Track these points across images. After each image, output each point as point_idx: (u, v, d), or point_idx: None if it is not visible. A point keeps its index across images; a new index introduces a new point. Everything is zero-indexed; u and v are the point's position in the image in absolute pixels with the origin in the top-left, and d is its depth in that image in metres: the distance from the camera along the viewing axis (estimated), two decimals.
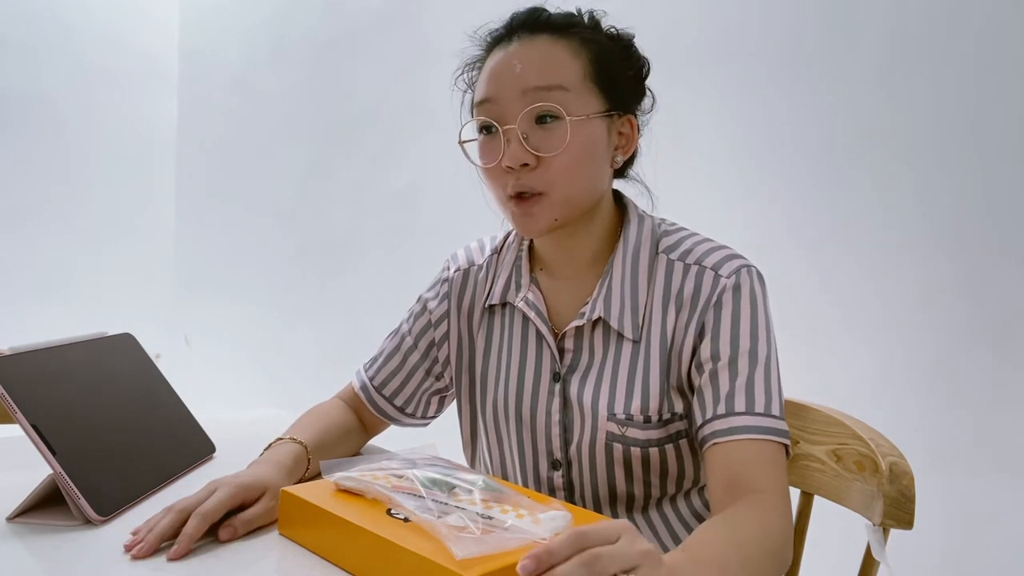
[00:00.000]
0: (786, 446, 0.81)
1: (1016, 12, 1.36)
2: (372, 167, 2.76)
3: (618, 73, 0.88)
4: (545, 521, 0.62)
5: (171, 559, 0.66)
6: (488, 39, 0.91)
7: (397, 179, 2.67)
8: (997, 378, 1.38)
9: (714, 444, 0.80)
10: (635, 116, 0.91)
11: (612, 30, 0.91)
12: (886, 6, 1.52)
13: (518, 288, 0.95)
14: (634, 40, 0.92)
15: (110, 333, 0.98)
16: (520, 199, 0.85)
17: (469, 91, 0.95)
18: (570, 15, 0.89)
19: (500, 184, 0.86)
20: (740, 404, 0.80)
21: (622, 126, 0.90)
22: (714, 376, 0.83)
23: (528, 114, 0.83)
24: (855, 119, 1.57)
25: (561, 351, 0.91)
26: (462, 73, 0.96)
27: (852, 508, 0.87)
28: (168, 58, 3.74)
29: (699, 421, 0.83)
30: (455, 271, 1.03)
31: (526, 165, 0.83)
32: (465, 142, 0.91)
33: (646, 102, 0.93)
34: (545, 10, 0.88)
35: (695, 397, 0.85)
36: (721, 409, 0.81)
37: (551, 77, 0.83)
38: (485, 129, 0.87)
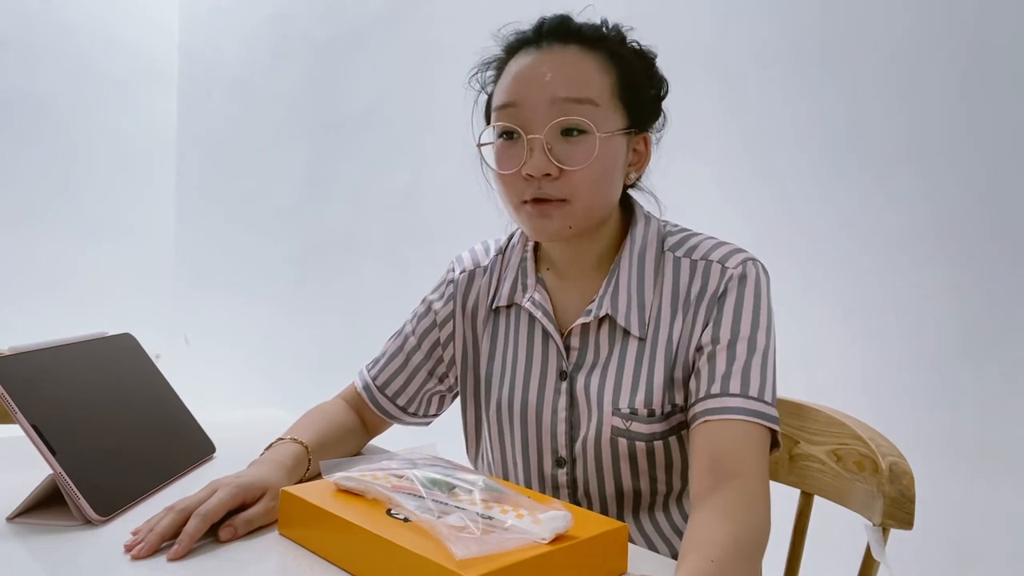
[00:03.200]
0: (775, 433, 0.81)
1: (1018, 13, 1.36)
2: (372, 167, 2.76)
3: (642, 92, 0.89)
4: (545, 521, 0.62)
5: (171, 559, 0.66)
6: (512, 40, 0.90)
7: (397, 179, 2.67)
8: (997, 377, 1.38)
9: (705, 421, 0.80)
10: (650, 134, 0.92)
11: (635, 45, 0.91)
12: (888, 6, 1.52)
13: (524, 289, 0.96)
14: (656, 59, 0.92)
15: (110, 333, 0.98)
16: (537, 201, 0.85)
17: (483, 92, 0.95)
18: (599, 28, 0.88)
19: (516, 191, 0.86)
20: (735, 386, 0.81)
21: (637, 144, 0.91)
22: (712, 357, 0.84)
23: (556, 125, 0.83)
24: (855, 120, 1.57)
25: (567, 349, 0.92)
26: (478, 72, 0.95)
27: (852, 508, 0.87)
28: (168, 58, 3.74)
29: (693, 399, 0.84)
30: (460, 273, 1.03)
31: (547, 175, 0.83)
32: (483, 145, 0.90)
33: (659, 121, 0.94)
34: (573, 20, 0.88)
35: (692, 377, 0.86)
36: (716, 388, 0.82)
37: (582, 90, 0.83)
38: (506, 134, 0.86)
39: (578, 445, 0.90)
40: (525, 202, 0.85)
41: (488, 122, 0.93)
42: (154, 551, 0.68)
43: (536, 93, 0.83)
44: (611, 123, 0.85)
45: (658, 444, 0.87)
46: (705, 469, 0.78)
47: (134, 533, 0.70)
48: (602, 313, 0.89)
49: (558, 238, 0.87)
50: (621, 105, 0.86)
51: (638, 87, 0.88)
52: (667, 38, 0.96)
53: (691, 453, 0.81)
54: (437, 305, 1.03)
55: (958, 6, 1.43)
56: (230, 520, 0.72)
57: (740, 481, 0.75)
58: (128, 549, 0.68)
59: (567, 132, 0.83)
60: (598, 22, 0.89)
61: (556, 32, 0.86)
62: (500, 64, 0.91)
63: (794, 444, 0.96)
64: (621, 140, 0.87)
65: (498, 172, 0.87)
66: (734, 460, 0.77)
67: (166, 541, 0.69)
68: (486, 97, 0.95)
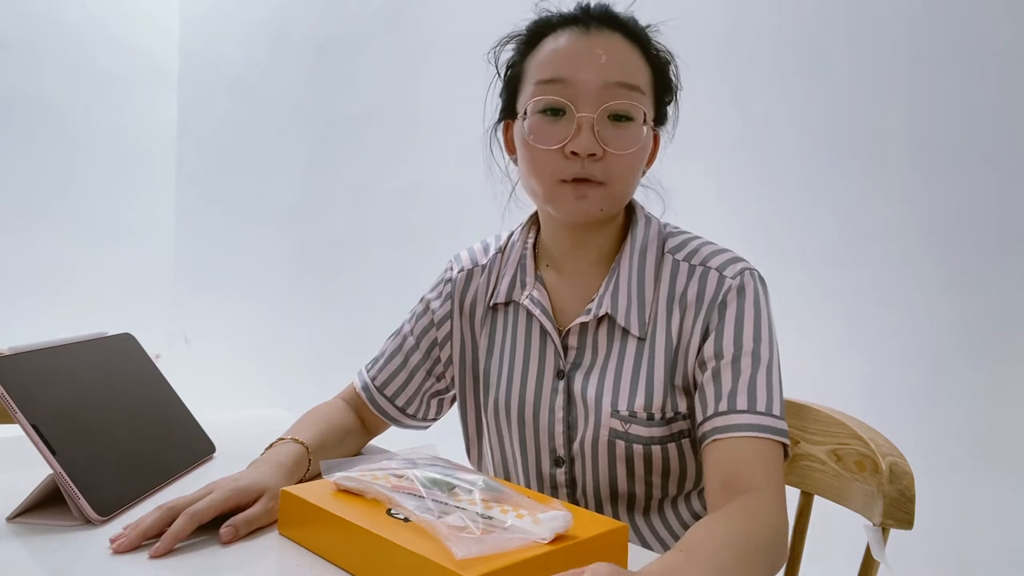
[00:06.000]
0: (785, 446, 0.81)
1: (1018, 11, 1.36)
2: (372, 167, 2.76)
3: (666, 91, 0.92)
4: (545, 521, 0.62)
5: (152, 556, 0.66)
6: (552, 18, 0.90)
7: (397, 179, 2.67)
8: (996, 378, 1.38)
9: (714, 440, 0.80)
10: (659, 132, 0.94)
11: (661, 45, 0.92)
12: (886, 7, 1.52)
13: (523, 286, 0.96)
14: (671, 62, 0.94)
15: (110, 333, 0.98)
16: (576, 181, 0.85)
17: (499, 70, 0.94)
18: (637, 22, 0.90)
19: (555, 168, 0.85)
20: (742, 402, 0.81)
21: (651, 139, 0.92)
22: (717, 374, 0.83)
23: (607, 108, 0.84)
24: (853, 120, 1.57)
25: (565, 348, 0.92)
26: (499, 46, 0.94)
27: (852, 508, 0.87)
28: (168, 58, 3.74)
29: (700, 417, 0.83)
30: (458, 272, 1.03)
31: (593, 155, 0.83)
32: (511, 120, 0.91)
33: (668, 121, 0.96)
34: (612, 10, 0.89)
35: (697, 394, 0.85)
36: (723, 406, 0.81)
37: (633, 76, 0.85)
38: (551, 110, 0.85)
39: (576, 445, 0.90)
40: (563, 181, 0.85)
41: (511, 97, 0.92)
42: (135, 547, 0.67)
43: (589, 72, 0.84)
44: (649, 114, 0.87)
45: (656, 449, 0.87)
46: (719, 489, 0.78)
47: (124, 529, 0.70)
48: (602, 312, 0.89)
49: (591, 219, 0.88)
50: (653, 99, 0.89)
51: (664, 85, 0.91)
52: (668, 36, 0.96)
53: (704, 473, 0.81)
54: (435, 304, 1.03)
55: (960, 6, 1.43)
56: (231, 520, 0.72)
57: (750, 495, 0.75)
58: (112, 542, 0.68)
59: (615, 117, 0.84)
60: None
61: (604, 18, 0.87)
62: (532, 39, 0.90)
63: (794, 444, 0.96)
64: (650, 132, 0.89)
65: (536, 147, 0.86)
66: (745, 477, 0.76)
67: (149, 539, 0.69)
68: (504, 73, 0.94)
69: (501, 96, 0.95)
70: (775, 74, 1.68)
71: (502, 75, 0.95)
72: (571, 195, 0.85)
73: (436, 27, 2.53)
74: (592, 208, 0.86)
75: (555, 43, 0.87)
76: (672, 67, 0.93)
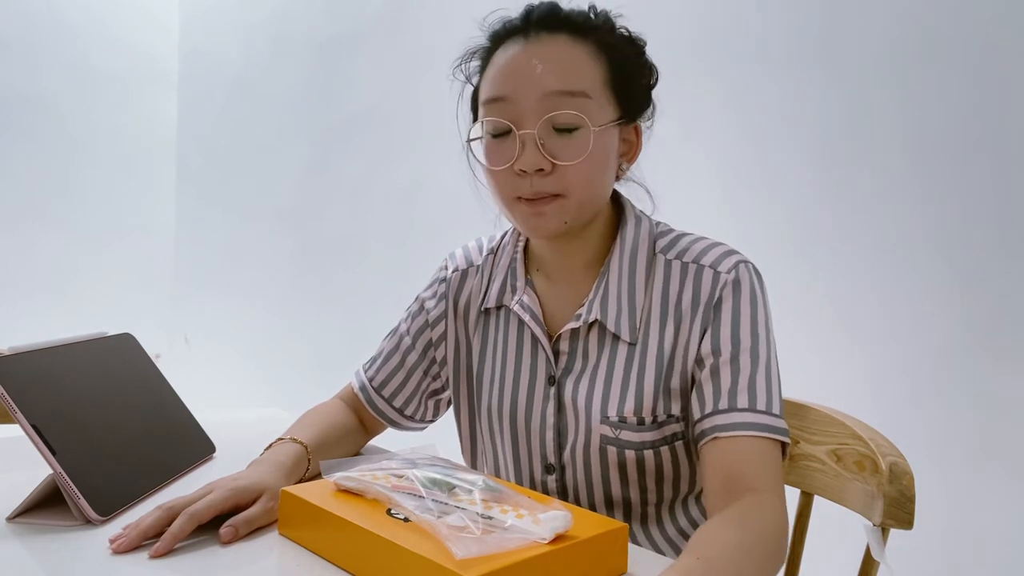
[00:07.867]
0: (785, 444, 0.80)
1: (1019, 11, 1.36)
2: (372, 167, 2.76)
3: (633, 81, 0.87)
4: (545, 521, 0.62)
5: (152, 556, 0.66)
6: (499, 29, 0.87)
7: (397, 179, 2.67)
8: (997, 378, 1.38)
9: (715, 438, 0.79)
10: (640, 124, 0.90)
11: (624, 31, 0.88)
12: (886, 4, 1.52)
13: (513, 291, 0.94)
14: (646, 46, 0.90)
15: (110, 333, 0.98)
16: (531, 199, 0.83)
17: (469, 83, 0.93)
18: (587, 15, 0.86)
19: (509, 187, 0.83)
20: (743, 401, 0.80)
21: (628, 134, 0.89)
22: (715, 372, 0.82)
23: (548, 120, 0.80)
24: (854, 119, 1.56)
25: (556, 354, 0.90)
26: (461, 63, 0.92)
27: (852, 508, 0.87)
28: (168, 58, 3.74)
29: (699, 414, 0.82)
30: (453, 271, 1.02)
31: (541, 170, 0.81)
32: (472, 140, 0.88)
33: (649, 110, 0.92)
34: (560, 7, 0.85)
35: (694, 391, 0.84)
36: (723, 404, 0.80)
37: (574, 82, 0.81)
38: (497, 129, 0.83)
39: (567, 452, 0.89)
40: (519, 199, 0.83)
41: (476, 116, 0.91)
42: (134, 547, 0.68)
43: (527, 87, 0.81)
44: (604, 115, 0.83)
45: (648, 453, 0.86)
46: (719, 488, 0.77)
47: (124, 529, 0.70)
48: (591, 318, 0.87)
49: (554, 234, 0.85)
50: (613, 95, 0.84)
51: (629, 76, 0.86)
52: (665, 35, 0.95)
53: (703, 471, 0.80)
54: (430, 304, 1.02)
55: (963, 5, 1.43)
56: (231, 520, 0.72)
57: (754, 495, 0.74)
58: (112, 542, 0.68)
59: (560, 126, 0.81)
60: (585, 8, 0.87)
61: (544, 21, 0.84)
62: (486, 54, 0.88)
63: (794, 444, 0.96)
64: (613, 131, 0.85)
65: (489, 168, 0.85)
66: (748, 477, 0.76)
67: (149, 539, 0.69)
68: (472, 88, 0.92)
69: (472, 111, 0.93)
70: (777, 71, 1.68)
71: (468, 89, 0.93)
72: (528, 212, 0.83)
73: (436, 27, 2.53)
74: (552, 223, 0.83)
75: (502, 58, 0.84)
76: (638, 52, 0.88)
